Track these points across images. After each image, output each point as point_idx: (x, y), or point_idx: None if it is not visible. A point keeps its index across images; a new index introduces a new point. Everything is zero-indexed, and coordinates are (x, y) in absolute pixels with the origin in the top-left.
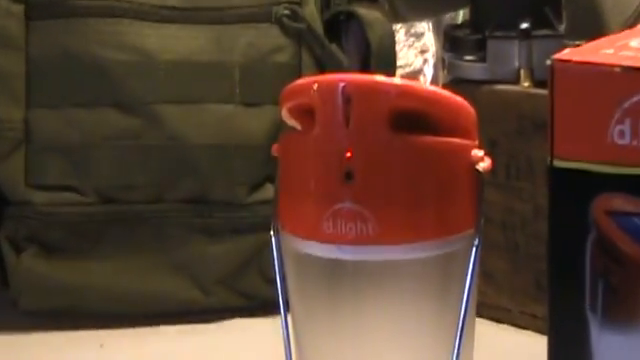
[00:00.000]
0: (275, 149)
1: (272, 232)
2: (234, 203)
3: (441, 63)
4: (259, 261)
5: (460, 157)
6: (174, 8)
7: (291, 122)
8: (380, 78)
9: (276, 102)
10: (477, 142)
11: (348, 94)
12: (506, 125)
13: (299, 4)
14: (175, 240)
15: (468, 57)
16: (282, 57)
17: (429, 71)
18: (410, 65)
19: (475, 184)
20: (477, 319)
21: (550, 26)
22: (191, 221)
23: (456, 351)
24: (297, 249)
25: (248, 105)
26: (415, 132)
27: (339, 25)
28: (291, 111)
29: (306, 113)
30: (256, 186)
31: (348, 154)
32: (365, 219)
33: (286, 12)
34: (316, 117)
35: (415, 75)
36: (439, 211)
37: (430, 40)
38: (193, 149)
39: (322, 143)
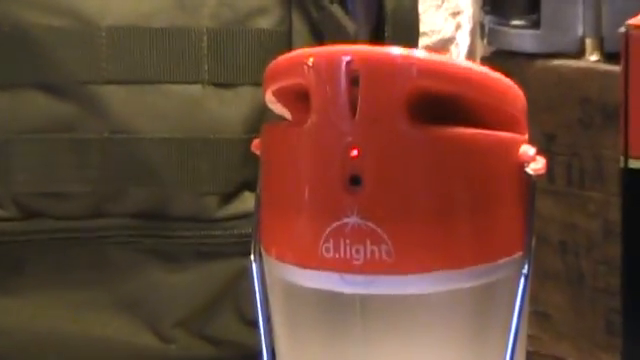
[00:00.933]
0: (256, 145)
1: (252, 257)
2: (200, 218)
3: (479, 30)
4: (234, 296)
5: (504, 156)
6: None
7: (278, 109)
8: (397, 51)
9: (258, 82)
10: (527, 136)
11: (354, 72)
12: (566, 113)
13: None
14: (121, 268)
15: (516, 22)
16: (266, 22)
17: (463, 40)
18: (438, 32)
19: (524, 192)
20: None
21: None
22: (143, 242)
23: None
24: (286, 279)
25: (220, 86)
26: (443, 123)
27: None
28: (278, 94)
29: (298, 97)
30: (230, 195)
31: (354, 152)
32: (377, 239)
33: None
34: (312, 103)
35: (445, 46)
36: (475, 228)
37: None
38: (145, 145)
39: (320, 137)
